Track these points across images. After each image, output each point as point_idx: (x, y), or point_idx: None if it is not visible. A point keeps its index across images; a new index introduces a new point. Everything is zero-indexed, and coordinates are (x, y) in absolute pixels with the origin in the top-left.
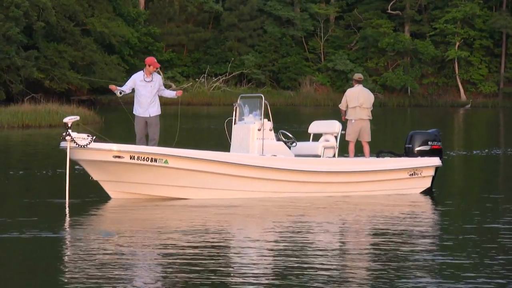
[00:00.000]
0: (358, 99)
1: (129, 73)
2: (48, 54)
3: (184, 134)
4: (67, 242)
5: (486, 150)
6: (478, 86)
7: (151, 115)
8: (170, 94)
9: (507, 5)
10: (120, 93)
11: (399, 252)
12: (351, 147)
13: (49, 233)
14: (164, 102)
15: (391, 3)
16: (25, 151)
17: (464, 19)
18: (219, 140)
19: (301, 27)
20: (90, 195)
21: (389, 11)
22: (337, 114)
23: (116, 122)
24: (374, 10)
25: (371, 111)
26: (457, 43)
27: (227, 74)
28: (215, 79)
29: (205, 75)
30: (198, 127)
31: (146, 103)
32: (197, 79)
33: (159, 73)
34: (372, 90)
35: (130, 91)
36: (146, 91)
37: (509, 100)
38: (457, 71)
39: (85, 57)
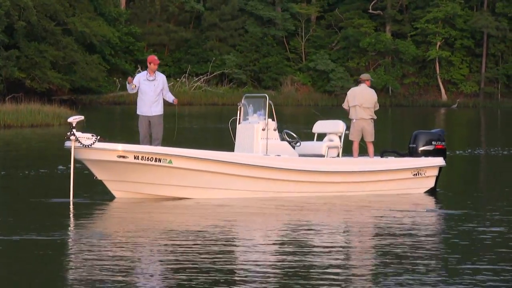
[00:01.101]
0: (358, 99)
1: (110, 72)
2: (29, 54)
3: (169, 134)
4: (70, 243)
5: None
6: (459, 86)
7: (153, 115)
8: (170, 98)
9: (488, 5)
10: (133, 88)
11: (403, 252)
12: (355, 147)
13: (52, 234)
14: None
15: (372, 3)
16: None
17: (445, 19)
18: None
19: (282, 27)
20: (94, 195)
21: (370, 11)
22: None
23: (98, 122)
24: (355, 10)
25: (374, 111)
26: (438, 43)
27: (208, 73)
28: (196, 79)
29: (186, 75)
30: (180, 126)
31: (149, 102)
32: (178, 79)
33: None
34: None
35: (136, 90)
36: (150, 90)
37: (490, 100)
38: (438, 71)
39: (66, 56)
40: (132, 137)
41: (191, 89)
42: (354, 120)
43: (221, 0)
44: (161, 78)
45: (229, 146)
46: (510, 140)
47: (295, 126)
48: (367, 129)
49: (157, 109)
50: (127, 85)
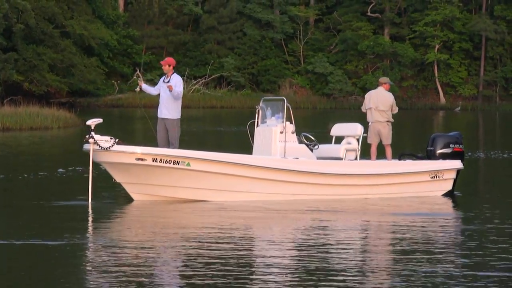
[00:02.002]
0: (373, 101)
1: (108, 75)
2: (27, 57)
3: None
4: (89, 246)
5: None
6: (458, 89)
7: (168, 118)
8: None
9: (487, 8)
10: (140, 89)
11: (420, 254)
12: (373, 150)
13: (70, 237)
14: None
15: (371, 6)
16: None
17: (444, 22)
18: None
19: (280, 30)
20: (112, 197)
21: (368, 13)
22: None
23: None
24: (354, 13)
25: (391, 114)
26: (437, 46)
27: (207, 76)
28: (195, 82)
29: (185, 78)
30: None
31: (162, 104)
32: (137, 77)
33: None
34: (351, 93)
35: (157, 92)
36: (164, 92)
37: (489, 103)
38: (436, 74)
39: (64, 59)
40: (132, 140)
41: (190, 92)
42: (370, 123)
43: (219, 3)
44: (173, 80)
45: (238, 148)
46: None
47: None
48: (383, 132)
49: (172, 113)
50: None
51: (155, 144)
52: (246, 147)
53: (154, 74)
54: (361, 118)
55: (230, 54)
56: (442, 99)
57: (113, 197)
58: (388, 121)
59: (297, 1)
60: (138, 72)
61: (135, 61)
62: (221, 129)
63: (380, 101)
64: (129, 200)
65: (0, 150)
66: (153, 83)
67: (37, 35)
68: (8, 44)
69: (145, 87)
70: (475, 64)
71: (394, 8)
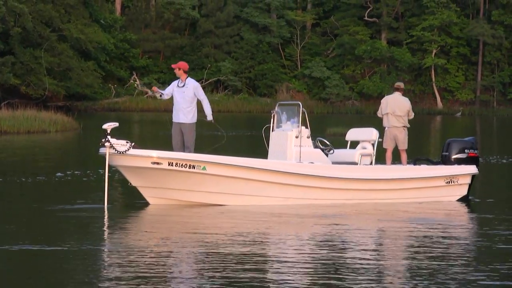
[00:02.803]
0: (390, 106)
1: (105, 79)
2: (25, 60)
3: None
4: (104, 251)
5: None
6: (455, 94)
7: (183, 122)
8: (207, 112)
9: (484, 13)
10: (160, 95)
11: (435, 260)
12: (389, 155)
13: (85, 242)
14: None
15: (368, 10)
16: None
17: (441, 27)
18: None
19: (277, 34)
20: (129, 201)
21: (366, 18)
22: (315, 122)
23: (94, 129)
24: (351, 17)
25: (407, 119)
26: (434, 51)
27: (204, 80)
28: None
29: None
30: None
31: (178, 109)
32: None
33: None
34: (348, 97)
35: (169, 97)
36: (179, 96)
37: (486, 108)
38: (433, 79)
39: (61, 63)
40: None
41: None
42: (386, 128)
43: (216, 7)
44: (191, 85)
45: (250, 153)
46: None
47: None
48: (399, 137)
49: (188, 117)
50: (155, 93)
51: (168, 148)
52: (245, 151)
53: (151, 78)
54: (359, 123)
55: (227, 58)
56: (440, 104)
57: (129, 201)
58: (404, 126)
59: (294, 6)
60: (153, 88)
61: (132, 64)
62: (218, 133)
63: (397, 106)
64: (145, 204)
65: None
66: (149, 86)
67: (34, 38)
68: (5, 47)
69: (160, 92)
70: (473, 69)
71: (391, 13)
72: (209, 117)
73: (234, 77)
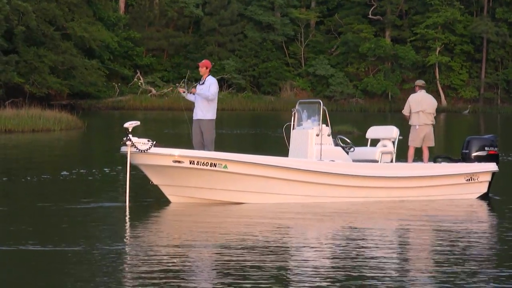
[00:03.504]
0: (421, 104)
1: (109, 77)
2: (28, 59)
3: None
4: (126, 250)
5: None
6: (459, 91)
7: (201, 119)
8: (205, 93)
9: (488, 11)
10: (186, 94)
11: (456, 257)
12: (411, 153)
13: (106, 242)
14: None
15: (372, 8)
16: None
17: (445, 24)
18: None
19: (281, 32)
20: (150, 199)
21: (370, 16)
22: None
23: (98, 127)
24: (355, 15)
25: (434, 116)
26: (438, 48)
27: None
28: (195, 84)
29: (186, 80)
30: (180, 132)
31: (197, 106)
32: (177, 84)
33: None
34: (352, 95)
35: (190, 95)
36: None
37: (490, 106)
38: (437, 76)
39: (65, 61)
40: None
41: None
42: (417, 127)
43: (220, 5)
44: (208, 82)
45: (267, 151)
46: None
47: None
48: (429, 135)
49: (206, 114)
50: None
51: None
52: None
53: (155, 77)
54: (363, 121)
55: (231, 56)
56: (444, 102)
57: (149, 199)
58: (432, 124)
59: (298, 4)
60: (179, 89)
61: (136, 63)
62: (223, 132)
63: (428, 104)
64: (166, 202)
65: (3, 153)
66: (153, 85)
67: (38, 37)
68: (9, 46)
69: (188, 94)
70: (476, 67)
71: (395, 11)
72: (189, 93)
73: (238, 75)
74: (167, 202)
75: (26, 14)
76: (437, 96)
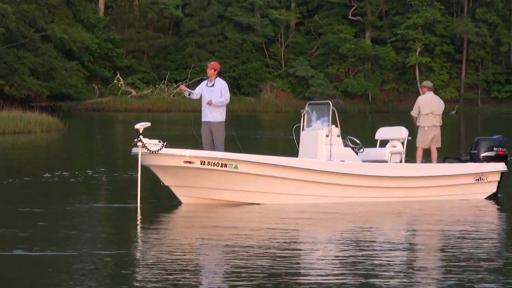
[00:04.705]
0: (431, 106)
1: (89, 79)
2: (8, 60)
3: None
4: (139, 251)
5: None
6: (439, 92)
7: (212, 121)
8: (220, 99)
9: (468, 11)
10: (189, 94)
11: (465, 258)
12: (420, 153)
13: (121, 242)
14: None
15: (352, 9)
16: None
17: (425, 25)
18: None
19: (261, 33)
20: (162, 200)
21: (350, 17)
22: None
23: (79, 129)
24: (335, 16)
25: (441, 118)
26: (418, 49)
27: (188, 80)
28: (176, 85)
29: (166, 81)
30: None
31: (206, 108)
32: (157, 85)
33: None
34: (332, 96)
35: (198, 96)
36: (207, 96)
37: (470, 106)
38: (418, 77)
39: (45, 63)
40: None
41: (170, 95)
42: (426, 128)
43: (200, 6)
44: (219, 84)
45: (281, 152)
46: None
47: (275, 132)
48: (436, 136)
49: (217, 116)
50: (184, 92)
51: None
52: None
53: (135, 78)
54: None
55: (211, 57)
56: None
57: (161, 200)
58: (440, 125)
59: (278, 5)
60: (181, 87)
61: (115, 64)
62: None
63: (437, 106)
64: (177, 203)
65: None
66: (133, 86)
67: (18, 38)
68: None
69: (189, 91)
70: (457, 67)
71: (375, 11)
72: (213, 100)
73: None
74: (178, 202)
75: (6, 16)
76: (417, 97)
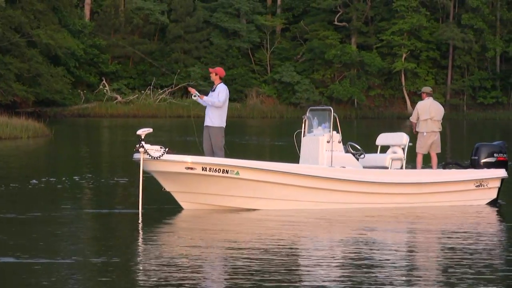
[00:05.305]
0: (430, 112)
1: (75, 85)
2: None
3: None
4: (140, 257)
5: None
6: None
7: (210, 125)
8: (210, 99)
9: (454, 17)
10: (195, 96)
11: (464, 264)
12: (420, 159)
13: (122, 249)
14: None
15: (338, 14)
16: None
17: (411, 31)
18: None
19: (247, 39)
20: (163, 206)
21: (335, 22)
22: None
23: (65, 135)
24: (321, 22)
25: (441, 123)
26: (404, 55)
27: (173, 86)
28: (161, 91)
29: (151, 87)
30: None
31: (207, 113)
32: (143, 91)
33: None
34: (318, 102)
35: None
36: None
37: (456, 112)
38: (403, 83)
39: (31, 69)
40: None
41: (156, 101)
42: (425, 133)
43: (185, 12)
44: (217, 89)
45: (268, 158)
46: None
47: (261, 138)
48: (436, 141)
49: (214, 121)
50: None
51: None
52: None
53: (121, 84)
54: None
55: (197, 63)
56: (410, 108)
57: (162, 206)
58: (439, 131)
59: (264, 10)
60: (189, 88)
61: (101, 70)
62: (190, 139)
63: (436, 112)
64: (179, 209)
65: None
66: (119, 92)
67: (4, 44)
68: None
69: (197, 94)
70: (442, 73)
71: (361, 17)
72: (201, 98)
73: (204, 82)
74: (179, 208)
75: None
76: (403, 103)
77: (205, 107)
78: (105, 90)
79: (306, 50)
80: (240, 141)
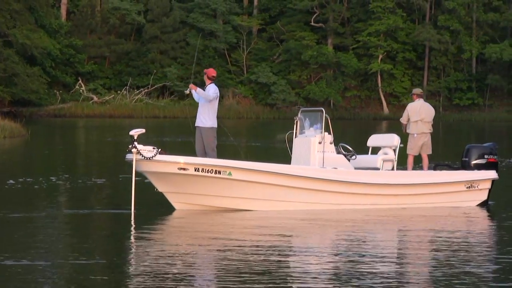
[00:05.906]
0: (420, 113)
1: (51, 85)
2: None
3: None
4: (132, 258)
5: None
6: (401, 99)
7: (201, 126)
8: (203, 92)
9: (430, 18)
10: (190, 93)
11: (454, 265)
12: (411, 161)
13: (114, 249)
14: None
15: (314, 15)
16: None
17: (387, 32)
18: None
19: (223, 40)
20: (155, 206)
21: (312, 23)
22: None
23: (41, 135)
24: (297, 23)
25: (432, 125)
26: (380, 56)
27: (150, 86)
28: (137, 92)
29: (127, 87)
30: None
31: (198, 113)
32: (119, 91)
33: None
34: (294, 103)
35: (197, 99)
36: (201, 101)
37: None
38: (380, 84)
39: (6, 68)
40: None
41: (132, 101)
42: (415, 135)
43: (162, 12)
44: (207, 89)
45: (272, 159)
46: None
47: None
48: (426, 143)
49: (205, 122)
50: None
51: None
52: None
53: (97, 84)
54: None
55: (173, 63)
56: (386, 109)
57: (155, 206)
58: (430, 132)
59: (240, 11)
60: (191, 85)
61: (77, 70)
62: (167, 139)
63: (426, 113)
64: (171, 209)
65: None
66: (95, 92)
67: None
68: None
69: (194, 91)
70: (419, 74)
71: (337, 18)
72: (194, 91)
73: (180, 82)
74: (171, 209)
75: None
76: (379, 104)
77: (196, 108)
78: (81, 90)
79: (282, 51)
80: (218, 142)
